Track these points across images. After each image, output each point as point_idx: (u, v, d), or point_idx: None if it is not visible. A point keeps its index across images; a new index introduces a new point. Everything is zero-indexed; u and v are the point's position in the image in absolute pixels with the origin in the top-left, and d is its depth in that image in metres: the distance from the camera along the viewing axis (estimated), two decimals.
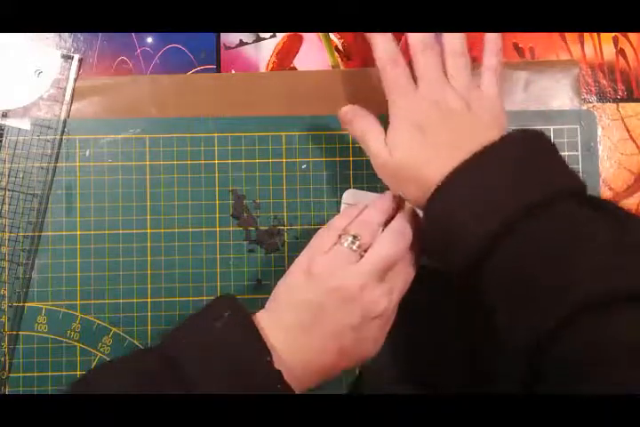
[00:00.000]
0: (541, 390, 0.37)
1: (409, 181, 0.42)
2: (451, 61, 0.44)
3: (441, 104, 0.42)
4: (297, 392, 0.40)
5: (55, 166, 0.52)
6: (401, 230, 0.42)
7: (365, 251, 0.41)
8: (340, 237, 0.42)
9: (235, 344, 0.39)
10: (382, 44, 0.44)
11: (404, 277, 0.43)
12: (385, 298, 0.41)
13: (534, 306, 0.36)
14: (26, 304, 0.51)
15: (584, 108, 0.54)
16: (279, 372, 0.39)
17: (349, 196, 0.52)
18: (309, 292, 0.41)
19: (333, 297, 0.40)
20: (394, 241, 0.42)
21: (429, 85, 0.43)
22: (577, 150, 0.52)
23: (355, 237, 0.41)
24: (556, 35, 0.54)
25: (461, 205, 0.39)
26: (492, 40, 0.45)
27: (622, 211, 0.39)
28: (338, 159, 0.52)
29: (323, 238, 0.42)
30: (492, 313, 0.39)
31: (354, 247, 0.41)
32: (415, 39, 0.44)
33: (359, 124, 0.45)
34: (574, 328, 0.34)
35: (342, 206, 0.51)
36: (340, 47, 0.54)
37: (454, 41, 0.44)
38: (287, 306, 0.41)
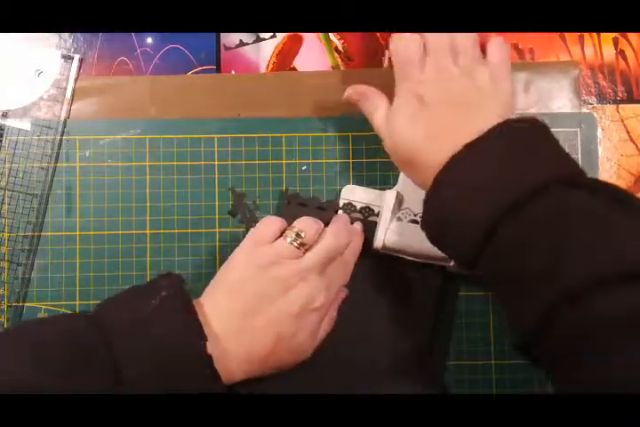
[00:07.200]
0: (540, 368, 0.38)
1: (407, 162, 0.43)
2: (460, 39, 0.43)
3: (447, 81, 0.42)
4: (224, 381, 0.40)
5: (55, 166, 0.52)
6: (342, 226, 0.46)
7: (306, 248, 0.44)
8: (285, 231, 0.44)
9: (170, 325, 0.40)
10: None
11: (340, 274, 0.45)
12: (323, 293, 0.43)
13: (533, 284, 0.36)
14: (25, 304, 0.51)
15: (584, 110, 0.54)
16: (210, 357, 0.39)
17: (348, 192, 0.51)
18: (253, 280, 0.42)
19: (275, 287, 0.42)
20: (336, 236, 0.45)
21: (437, 60, 0.42)
22: (577, 153, 0.52)
23: (298, 234, 0.43)
24: (555, 36, 0.54)
25: (456, 199, 0.39)
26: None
27: (621, 192, 0.38)
28: (338, 161, 0.52)
29: (267, 228, 0.44)
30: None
31: (296, 244, 0.43)
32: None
33: (366, 102, 0.46)
34: (573, 306, 0.33)
35: (341, 203, 0.51)
36: (340, 48, 0.54)
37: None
38: (229, 293, 0.43)
